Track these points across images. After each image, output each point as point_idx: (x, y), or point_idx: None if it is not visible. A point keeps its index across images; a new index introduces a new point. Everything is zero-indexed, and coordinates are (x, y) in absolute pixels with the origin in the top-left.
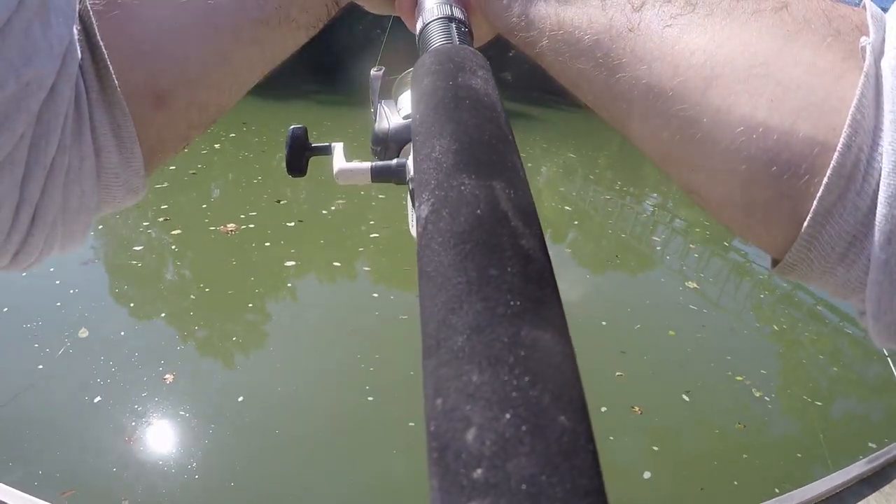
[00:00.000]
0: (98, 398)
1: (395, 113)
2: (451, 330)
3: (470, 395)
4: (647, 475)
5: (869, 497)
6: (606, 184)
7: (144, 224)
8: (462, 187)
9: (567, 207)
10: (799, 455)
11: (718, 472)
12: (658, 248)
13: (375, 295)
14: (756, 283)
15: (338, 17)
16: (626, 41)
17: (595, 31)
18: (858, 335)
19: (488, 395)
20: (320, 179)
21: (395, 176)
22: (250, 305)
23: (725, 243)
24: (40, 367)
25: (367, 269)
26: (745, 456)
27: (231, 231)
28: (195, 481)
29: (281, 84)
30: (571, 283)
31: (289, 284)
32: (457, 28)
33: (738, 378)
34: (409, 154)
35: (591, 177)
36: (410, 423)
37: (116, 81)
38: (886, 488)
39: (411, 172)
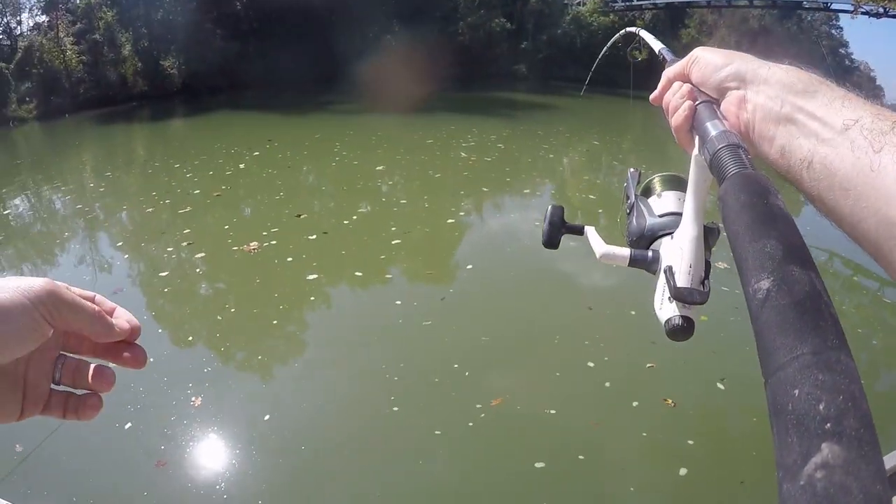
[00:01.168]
0: (129, 424)
1: (651, 210)
2: (797, 353)
3: (818, 385)
4: (682, 472)
5: None
6: (632, 165)
7: (169, 250)
8: (793, 273)
9: (591, 196)
10: None
11: (759, 463)
12: None
13: (399, 302)
14: None
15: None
16: (868, 178)
17: (845, 169)
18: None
19: (830, 386)
20: (343, 190)
21: (649, 265)
22: (275, 323)
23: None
24: None
25: (388, 276)
26: None
27: (254, 249)
28: (223, 502)
29: (297, 100)
30: (598, 273)
31: (312, 298)
32: (744, 154)
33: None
34: (661, 247)
35: (615, 162)
36: (437, 431)
37: None
38: None
39: (663, 263)
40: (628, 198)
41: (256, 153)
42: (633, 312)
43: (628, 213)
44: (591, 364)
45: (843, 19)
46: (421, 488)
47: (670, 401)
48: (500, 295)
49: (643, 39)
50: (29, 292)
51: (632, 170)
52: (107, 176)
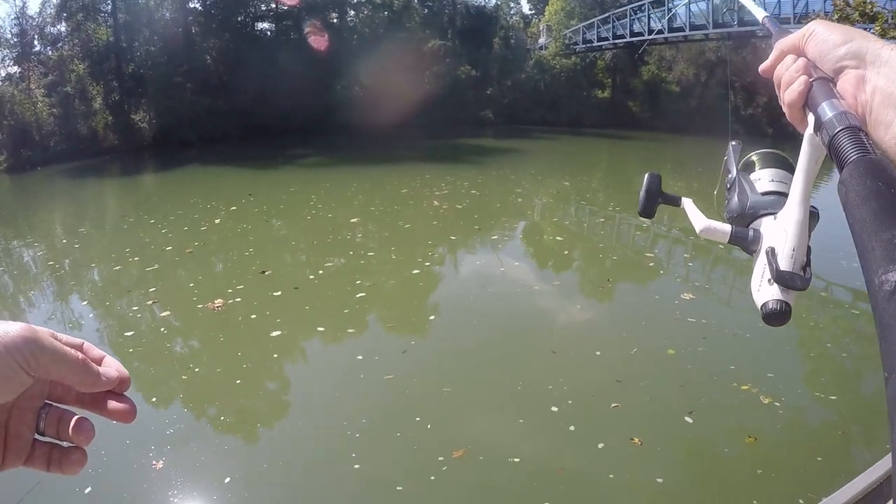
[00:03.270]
0: (89, 489)
1: (753, 188)
2: None
3: None
4: None
5: None
6: (600, 205)
7: (135, 308)
8: None
9: (559, 238)
10: (819, 458)
11: (733, 494)
12: (651, 264)
13: (360, 357)
14: None
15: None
16: None
17: None
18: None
19: None
20: (313, 244)
21: (748, 244)
22: (238, 382)
23: (721, 245)
24: None
25: (351, 330)
26: (759, 471)
27: (218, 307)
28: None
29: (270, 154)
30: (563, 315)
31: (275, 356)
32: (866, 139)
33: (744, 387)
34: (762, 227)
35: (583, 202)
36: (398, 488)
37: None
38: None
39: (765, 244)
40: (729, 172)
41: (234, 208)
42: (598, 353)
43: (728, 189)
44: (554, 409)
45: None
46: None
47: (637, 440)
48: (463, 344)
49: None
50: (4, 338)
51: (734, 143)
52: (80, 232)
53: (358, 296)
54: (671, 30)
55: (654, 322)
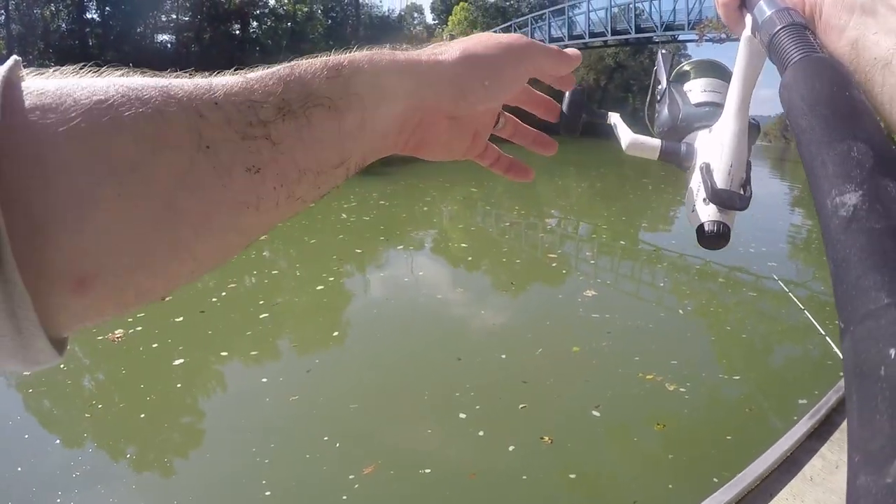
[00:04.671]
0: None
1: (686, 98)
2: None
3: None
4: None
5: (822, 449)
6: (506, 209)
7: None
8: (889, 189)
9: (464, 244)
10: (729, 437)
11: (647, 481)
12: (554, 265)
13: (265, 380)
14: (670, 267)
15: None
16: None
17: None
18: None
19: None
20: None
21: (681, 159)
22: (142, 416)
23: (622, 242)
24: None
25: (254, 353)
26: (671, 456)
27: (118, 338)
28: None
29: None
30: (469, 323)
31: (178, 385)
32: (813, 38)
33: (649, 377)
34: (696, 141)
35: (489, 207)
36: None
37: (14, 259)
38: (836, 434)
39: (699, 159)
40: (659, 83)
41: None
42: (503, 356)
43: (658, 101)
44: (462, 415)
45: (691, 48)
46: None
47: (547, 438)
48: (368, 358)
49: None
50: (510, 42)
51: (663, 51)
52: None
53: (261, 316)
54: (571, 37)
55: (559, 321)
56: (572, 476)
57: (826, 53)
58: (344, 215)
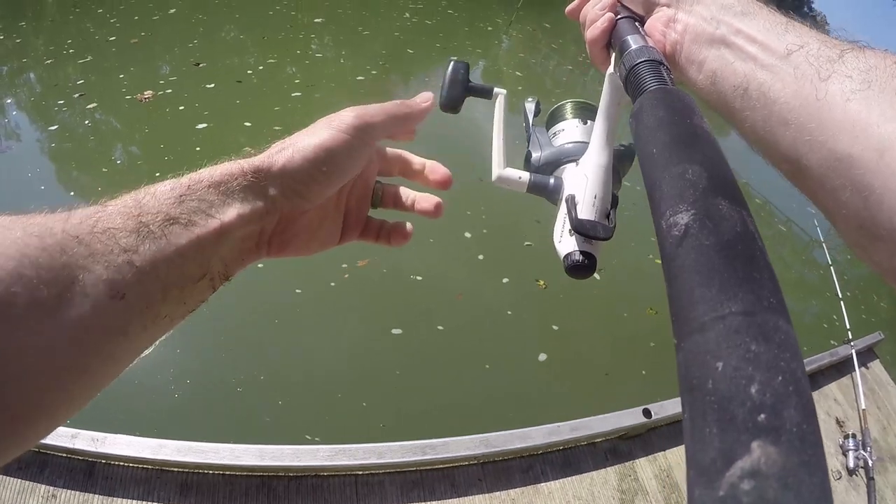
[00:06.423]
0: None
1: (548, 140)
2: (723, 311)
3: (749, 360)
4: (542, 357)
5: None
6: (571, 56)
7: (60, 102)
8: (720, 207)
9: (518, 73)
10: None
11: (624, 360)
12: None
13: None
14: None
15: None
16: (812, 108)
17: (786, 97)
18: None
19: (766, 361)
20: (262, 40)
21: (550, 193)
22: (157, 175)
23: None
24: None
25: (277, 128)
26: (652, 344)
27: (146, 98)
28: None
29: None
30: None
31: (197, 148)
32: (665, 72)
33: (658, 261)
34: (564, 174)
35: (553, 46)
36: (297, 290)
37: None
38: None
39: (566, 192)
40: (526, 129)
41: None
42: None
43: (528, 143)
44: (468, 234)
45: None
46: (273, 350)
47: (542, 282)
48: None
49: None
50: (336, 120)
51: (528, 100)
52: (20, 27)
53: (293, 95)
54: None
55: None
56: (555, 328)
57: (673, 86)
58: (407, 14)
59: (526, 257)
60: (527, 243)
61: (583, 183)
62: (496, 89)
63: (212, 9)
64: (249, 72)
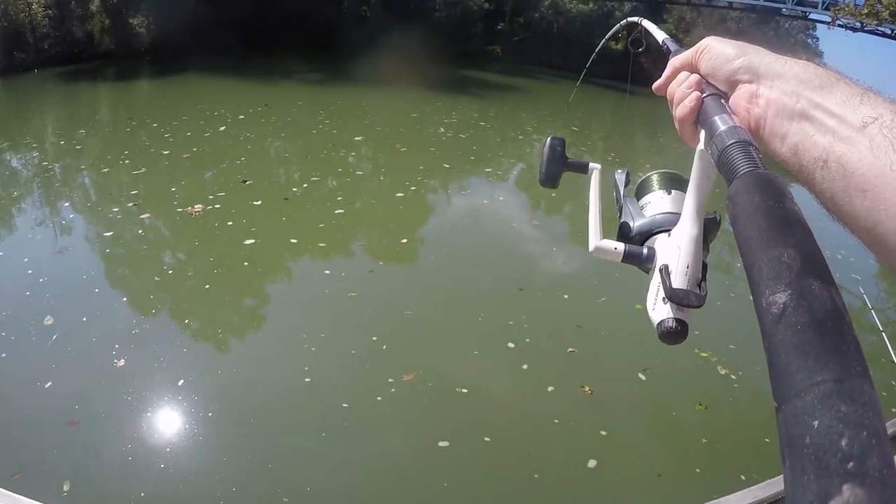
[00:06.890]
0: (49, 383)
1: (639, 210)
2: (817, 379)
3: (840, 419)
4: (591, 463)
5: None
6: (600, 157)
7: (115, 210)
8: (813, 287)
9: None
10: (767, 440)
11: (675, 458)
12: None
13: (328, 272)
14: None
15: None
16: (888, 179)
17: (863, 168)
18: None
19: (853, 419)
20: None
21: (643, 262)
22: (206, 287)
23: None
24: (3, 354)
25: (322, 245)
26: (704, 440)
27: (197, 212)
28: (129, 462)
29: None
30: (537, 251)
31: (245, 264)
32: (755, 153)
33: (704, 355)
34: (656, 244)
35: (583, 149)
36: (344, 405)
37: None
38: None
39: (659, 261)
40: (617, 201)
41: (241, 116)
42: (565, 296)
43: (619, 214)
44: (511, 345)
45: (821, 29)
46: (320, 463)
47: (588, 388)
48: (431, 270)
49: (646, 29)
50: None
51: (618, 171)
52: (79, 134)
53: (336, 212)
54: None
55: (628, 276)
56: (603, 433)
57: (766, 169)
58: (441, 129)
59: (570, 364)
60: (570, 350)
61: (675, 253)
62: (591, 164)
63: (258, 126)
64: (294, 189)
